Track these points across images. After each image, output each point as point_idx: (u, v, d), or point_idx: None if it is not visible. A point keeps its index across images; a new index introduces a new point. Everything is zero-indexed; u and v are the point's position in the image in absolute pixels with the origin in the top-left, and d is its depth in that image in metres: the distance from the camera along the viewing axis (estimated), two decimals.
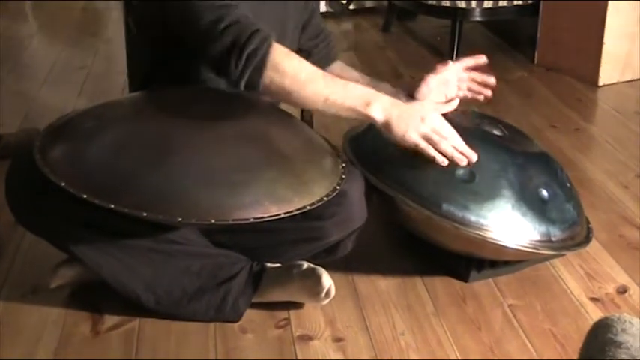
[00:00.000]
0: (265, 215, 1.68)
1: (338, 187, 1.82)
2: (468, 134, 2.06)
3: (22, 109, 3.27)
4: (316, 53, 2.27)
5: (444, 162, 1.90)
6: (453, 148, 1.91)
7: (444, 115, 1.97)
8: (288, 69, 1.85)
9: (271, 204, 1.69)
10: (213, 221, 1.66)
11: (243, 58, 1.82)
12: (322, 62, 2.25)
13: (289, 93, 1.87)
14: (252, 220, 1.67)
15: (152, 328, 1.95)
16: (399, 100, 1.94)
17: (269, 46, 1.83)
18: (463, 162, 1.91)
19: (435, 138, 1.90)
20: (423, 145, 1.89)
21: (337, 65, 2.35)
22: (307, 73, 1.88)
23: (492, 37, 4.30)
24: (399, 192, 1.95)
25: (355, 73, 2.30)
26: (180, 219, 1.65)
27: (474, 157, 1.92)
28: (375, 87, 2.05)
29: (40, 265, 2.14)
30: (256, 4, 1.98)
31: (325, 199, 1.78)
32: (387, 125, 1.89)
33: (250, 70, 1.83)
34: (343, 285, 2.10)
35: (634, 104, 3.32)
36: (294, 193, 1.73)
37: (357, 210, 1.94)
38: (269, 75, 1.83)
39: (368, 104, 1.88)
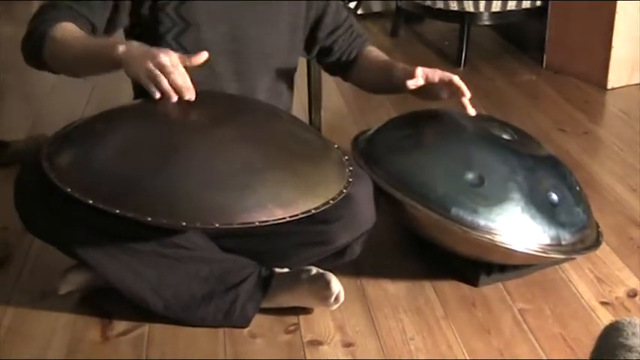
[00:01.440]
0: (270, 219, 1.67)
1: (344, 190, 1.82)
2: (477, 138, 2.06)
3: (30, 116, 3.29)
4: (337, 49, 2.24)
5: (156, 96, 1.82)
6: (173, 84, 1.83)
7: (451, 116, 1.97)
8: (61, 35, 1.91)
9: (276, 207, 1.68)
10: (217, 225, 1.66)
11: (31, 32, 1.96)
12: (346, 55, 2.24)
13: (63, 58, 1.92)
14: (257, 223, 1.66)
15: (161, 334, 1.95)
16: (145, 45, 1.88)
17: (54, 24, 1.92)
18: (174, 98, 1.82)
19: (155, 73, 1.81)
20: (144, 82, 1.83)
21: (371, 51, 2.29)
22: (72, 35, 1.92)
23: (501, 40, 4.30)
24: (408, 195, 1.95)
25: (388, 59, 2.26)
26: (184, 223, 1.65)
27: (189, 93, 1.83)
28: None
29: (49, 271, 2.14)
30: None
31: (331, 201, 1.77)
32: (123, 64, 1.84)
33: (34, 40, 1.94)
34: (352, 290, 2.10)
35: None
36: (299, 196, 1.73)
37: (365, 213, 1.94)
38: (48, 46, 1.91)
39: (115, 45, 1.84)
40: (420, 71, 2.01)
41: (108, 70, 1.88)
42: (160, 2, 2.01)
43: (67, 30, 1.93)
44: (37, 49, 1.94)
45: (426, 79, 2.03)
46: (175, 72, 1.82)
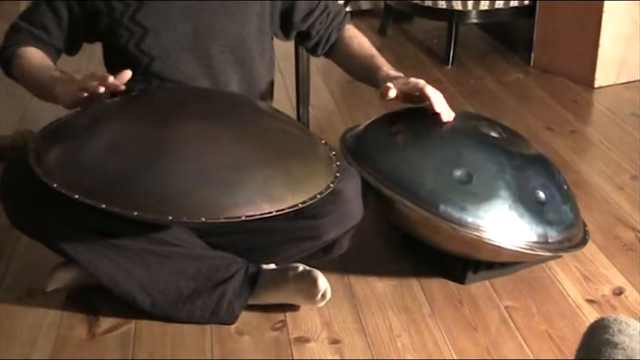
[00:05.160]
0: (257, 213, 1.67)
1: (331, 185, 1.82)
2: (466, 135, 2.06)
3: (18, 112, 3.27)
4: (316, 34, 2.23)
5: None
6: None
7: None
8: (20, 63, 2.03)
9: (264, 202, 1.68)
10: (203, 219, 1.66)
11: (1, 52, 2.10)
12: (325, 39, 2.23)
13: (23, 83, 2.07)
14: (243, 217, 1.66)
15: (148, 331, 1.95)
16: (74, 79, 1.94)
17: (19, 47, 2.05)
18: (101, 89, 1.83)
19: (91, 83, 1.84)
20: (76, 106, 1.89)
21: (351, 38, 2.25)
22: (30, 63, 2.02)
23: (489, 39, 4.30)
24: (397, 192, 1.95)
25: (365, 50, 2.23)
26: (170, 217, 1.64)
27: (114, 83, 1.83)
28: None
29: (36, 268, 2.14)
30: None
31: (318, 196, 1.77)
32: (60, 102, 1.91)
33: (3, 61, 2.10)
34: (339, 287, 2.10)
35: (629, 106, 3.32)
36: (287, 191, 1.73)
37: (353, 208, 1.94)
38: (13, 70, 2.07)
39: (54, 85, 1.91)
40: (392, 92, 1.99)
41: (53, 102, 1.96)
42: (116, 16, 2.02)
43: (27, 57, 2.04)
44: (6, 70, 2.11)
45: (401, 92, 2.02)
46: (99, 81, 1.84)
